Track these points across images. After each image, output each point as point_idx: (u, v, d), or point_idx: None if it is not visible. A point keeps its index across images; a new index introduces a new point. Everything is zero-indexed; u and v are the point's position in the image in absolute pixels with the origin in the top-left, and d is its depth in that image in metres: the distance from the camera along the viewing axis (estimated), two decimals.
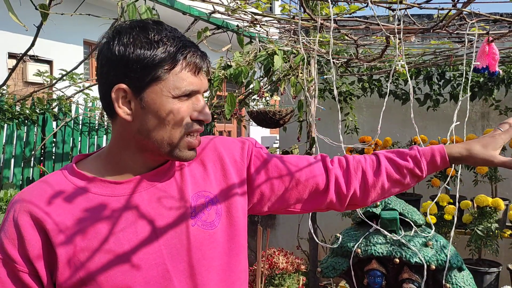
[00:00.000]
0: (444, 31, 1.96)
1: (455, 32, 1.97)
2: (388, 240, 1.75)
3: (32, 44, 2.02)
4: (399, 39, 1.64)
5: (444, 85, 3.49)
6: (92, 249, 0.82)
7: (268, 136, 10.44)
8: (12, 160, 3.02)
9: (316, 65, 2.95)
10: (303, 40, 2.42)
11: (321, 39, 2.66)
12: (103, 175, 0.88)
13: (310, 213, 1.54)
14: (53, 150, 3.28)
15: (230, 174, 0.96)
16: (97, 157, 0.93)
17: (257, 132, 9.28)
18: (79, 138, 3.51)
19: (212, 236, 0.90)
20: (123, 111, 0.85)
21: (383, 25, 1.86)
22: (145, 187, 0.88)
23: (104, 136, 3.73)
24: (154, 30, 0.85)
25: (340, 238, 1.84)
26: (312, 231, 1.57)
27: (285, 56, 2.70)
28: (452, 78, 3.45)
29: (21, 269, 0.82)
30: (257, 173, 0.99)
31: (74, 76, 3.25)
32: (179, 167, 0.93)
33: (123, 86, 0.84)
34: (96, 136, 3.63)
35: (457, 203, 1.51)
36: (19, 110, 3.00)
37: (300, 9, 1.99)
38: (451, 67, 3.39)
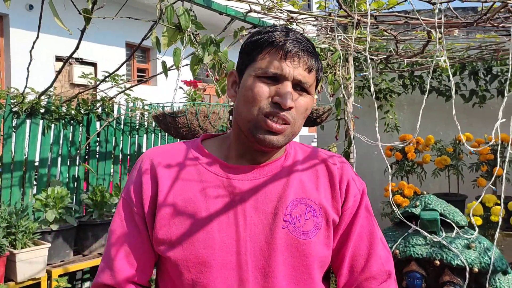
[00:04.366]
0: (489, 25, 1.87)
1: (501, 25, 1.88)
2: (428, 242, 1.70)
3: (77, 47, 2.10)
4: (441, 33, 1.58)
5: (491, 81, 3.34)
6: (185, 217, 0.89)
7: (306, 135, 10.37)
8: (59, 159, 3.16)
9: (353, 62, 2.89)
10: (340, 37, 2.38)
11: (359, 36, 2.61)
12: (219, 155, 0.95)
13: None
14: (97, 149, 3.40)
15: (338, 201, 0.95)
16: (221, 138, 1.00)
17: None
18: (121, 137, 3.62)
19: (302, 246, 0.89)
20: (230, 92, 0.95)
21: (423, 20, 1.80)
22: (251, 177, 0.92)
23: (144, 136, 3.83)
24: (274, 26, 0.94)
25: None
26: None
27: (322, 53, 2.67)
28: (499, 73, 3.29)
29: (136, 211, 0.92)
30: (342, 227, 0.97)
31: (116, 77, 3.35)
32: (289, 169, 0.95)
33: (234, 71, 0.95)
34: (137, 135, 3.74)
35: (502, 203, 1.44)
36: (65, 110, 3.14)
37: (336, 5, 1.96)
38: (498, 61, 3.23)
